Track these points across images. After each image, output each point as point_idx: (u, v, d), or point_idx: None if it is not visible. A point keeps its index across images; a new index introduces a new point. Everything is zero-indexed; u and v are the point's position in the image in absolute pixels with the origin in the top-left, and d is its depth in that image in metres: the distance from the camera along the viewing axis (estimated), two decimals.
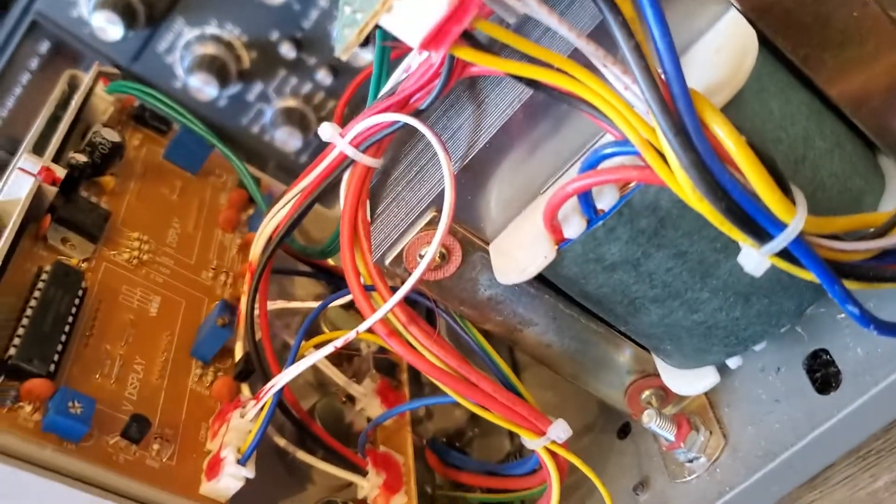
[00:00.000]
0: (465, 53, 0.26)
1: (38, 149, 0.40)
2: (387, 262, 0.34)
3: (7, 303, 0.34)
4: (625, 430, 0.41)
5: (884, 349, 0.30)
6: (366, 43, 0.27)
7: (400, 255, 0.34)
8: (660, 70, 0.24)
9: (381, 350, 0.46)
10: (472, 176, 0.32)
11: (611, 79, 0.26)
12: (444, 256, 0.34)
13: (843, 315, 0.32)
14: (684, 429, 0.35)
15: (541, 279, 0.34)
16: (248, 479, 0.34)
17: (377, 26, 0.26)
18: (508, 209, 0.33)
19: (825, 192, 0.30)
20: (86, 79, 0.47)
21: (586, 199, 0.29)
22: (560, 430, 0.33)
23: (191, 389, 0.37)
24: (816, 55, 0.29)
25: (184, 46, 0.56)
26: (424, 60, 0.32)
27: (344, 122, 0.34)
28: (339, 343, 0.33)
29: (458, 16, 0.25)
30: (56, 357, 0.33)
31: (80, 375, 0.34)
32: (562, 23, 0.25)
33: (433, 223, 0.33)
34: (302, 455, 0.38)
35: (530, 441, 0.34)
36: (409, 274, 0.32)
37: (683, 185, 0.25)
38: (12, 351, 0.32)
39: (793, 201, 0.24)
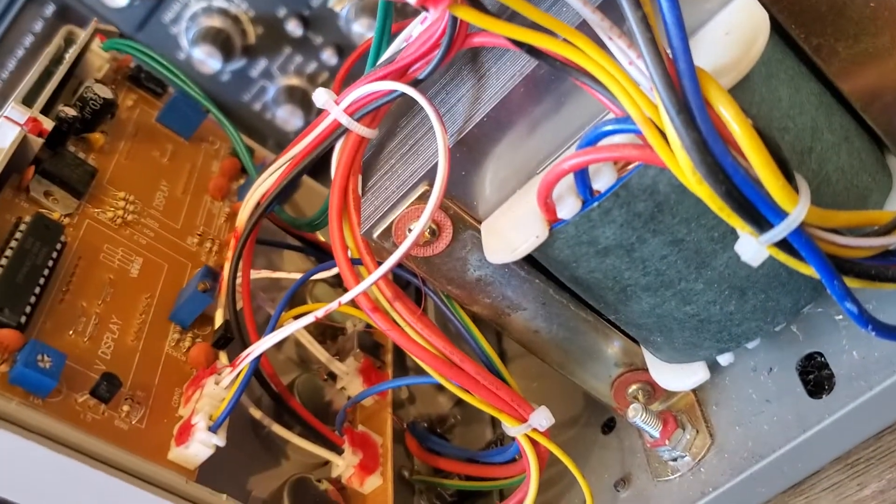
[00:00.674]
0: (466, 14, 0.26)
1: (28, 101, 0.39)
2: (375, 235, 0.33)
3: None
4: (609, 425, 0.40)
5: (880, 353, 0.29)
6: None
7: (389, 228, 0.33)
8: (667, 46, 0.24)
9: (368, 327, 0.45)
10: (468, 151, 0.31)
11: (616, 52, 0.25)
12: (435, 233, 0.33)
13: (840, 316, 0.31)
14: (670, 426, 0.35)
15: (532, 262, 0.33)
16: (219, 449, 0.33)
17: None
18: (503, 188, 0.32)
19: (830, 186, 0.29)
20: (82, 34, 0.46)
21: (583, 178, 0.28)
22: (542, 417, 0.32)
23: (167, 354, 0.37)
24: (829, 45, 0.28)
25: (190, 17, 0.55)
26: (426, 29, 0.31)
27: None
28: (319, 313, 0.32)
29: None
30: (28, 309, 0.32)
31: (52, 330, 0.33)
32: None
33: (425, 197, 0.32)
34: (277, 429, 0.38)
35: (511, 427, 0.33)
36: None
37: (683, 165, 0.24)
38: None
39: (796, 190, 0.24)
